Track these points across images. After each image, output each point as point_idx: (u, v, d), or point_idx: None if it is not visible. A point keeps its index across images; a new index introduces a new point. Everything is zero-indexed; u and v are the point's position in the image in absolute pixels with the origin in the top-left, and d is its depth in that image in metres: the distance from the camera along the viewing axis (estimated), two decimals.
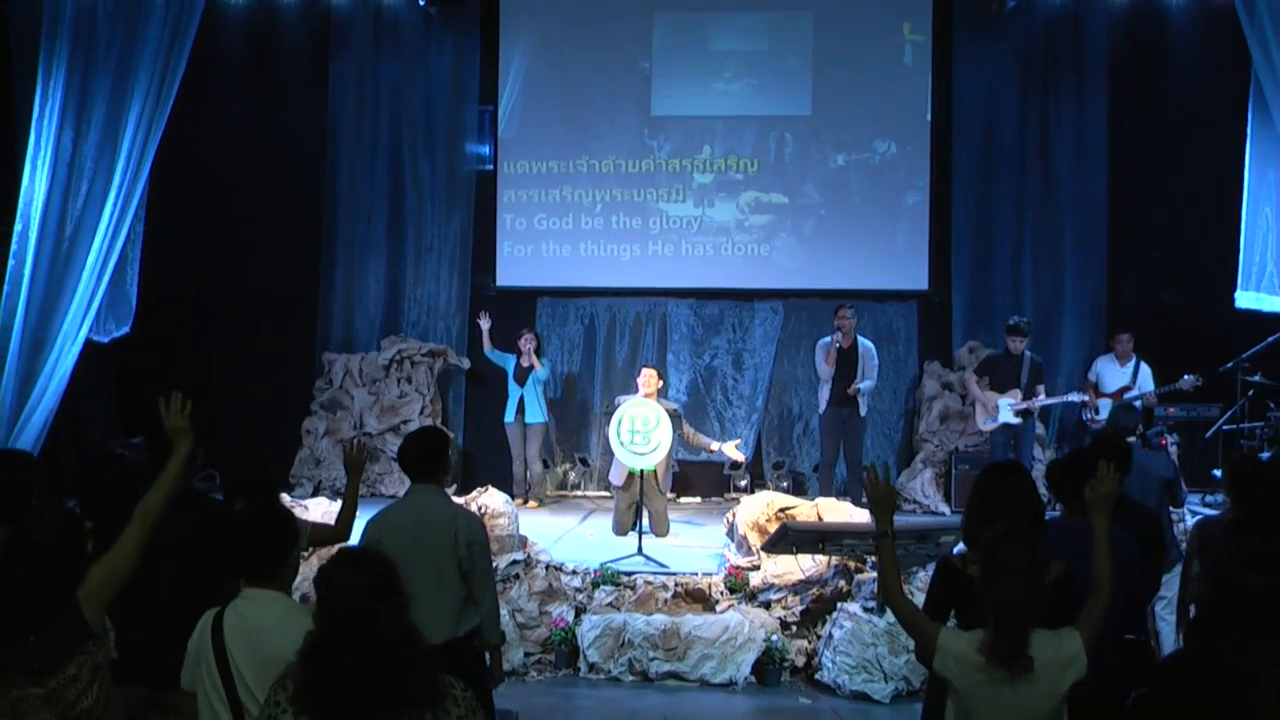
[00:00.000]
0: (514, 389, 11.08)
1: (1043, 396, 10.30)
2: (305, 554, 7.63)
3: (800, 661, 7.76)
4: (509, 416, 11.09)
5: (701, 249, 12.12)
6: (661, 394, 9.52)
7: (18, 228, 9.96)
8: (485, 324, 11.32)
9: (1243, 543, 3.62)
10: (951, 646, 3.56)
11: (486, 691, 5.00)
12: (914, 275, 11.99)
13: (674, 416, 9.09)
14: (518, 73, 12.18)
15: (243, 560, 3.64)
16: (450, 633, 4.83)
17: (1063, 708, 3.54)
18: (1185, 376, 10.17)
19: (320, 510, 8.68)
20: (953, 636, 3.59)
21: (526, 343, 11.03)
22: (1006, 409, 10.21)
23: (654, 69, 12.06)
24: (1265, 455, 8.65)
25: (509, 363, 11.15)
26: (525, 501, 10.89)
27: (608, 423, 9.13)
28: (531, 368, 10.96)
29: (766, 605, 8.07)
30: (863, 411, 10.46)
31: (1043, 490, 6.84)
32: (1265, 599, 3.23)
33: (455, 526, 4.92)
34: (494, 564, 7.72)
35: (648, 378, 9.47)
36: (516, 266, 12.29)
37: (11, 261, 9.91)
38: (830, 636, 7.63)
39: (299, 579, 7.57)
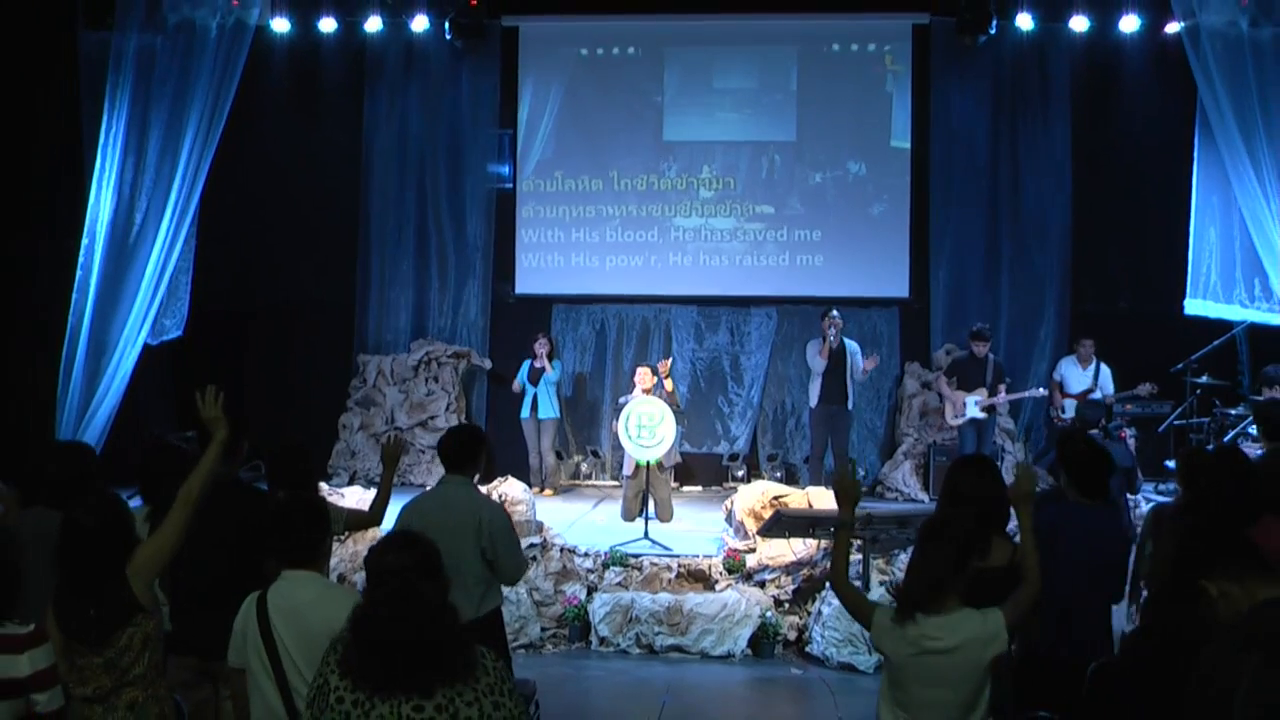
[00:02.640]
0: (528, 388, 11.10)
1: (1004, 394, 10.39)
2: (341, 538, 7.68)
3: (792, 636, 7.76)
4: (524, 413, 11.10)
5: (703, 258, 12.14)
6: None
7: (84, 242, 10.01)
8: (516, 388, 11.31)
9: (1198, 531, 3.63)
10: (885, 623, 3.63)
11: (506, 662, 5.00)
12: (896, 284, 12.00)
13: (675, 411, 9.11)
14: (536, 100, 12.21)
15: (281, 545, 3.65)
16: (471, 614, 4.76)
17: (986, 678, 3.59)
18: (1142, 385, 10.27)
19: (355, 498, 8.70)
20: (886, 614, 3.66)
21: (540, 346, 11.05)
22: (973, 406, 10.32)
23: (666, 102, 12.15)
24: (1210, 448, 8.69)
25: (525, 366, 11.16)
26: (541, 490, 10.89)
27: (617, 419, 9.14)
28: (543, 369, 10.98)
29: (761, 585, 8.07)
30: (849, 407, 10.50)
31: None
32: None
33: (480, 516, 4.88)
34: None
35: (643, 375, 9.49)
36: (533, 276, 12.31)
37: (79, 273, 9.96)
38: (820, 613, 7.62)
39: (335, 560, 7.66)
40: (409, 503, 5.10)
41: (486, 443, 5.21)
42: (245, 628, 3.53)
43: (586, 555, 8.33)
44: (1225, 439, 9.57)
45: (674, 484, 10.23)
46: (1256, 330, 10.57)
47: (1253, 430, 9.50)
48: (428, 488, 8.98)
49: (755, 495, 8.82)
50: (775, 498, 8.69)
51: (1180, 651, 3.08)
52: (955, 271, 11.89)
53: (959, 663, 3.52)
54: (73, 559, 3.49)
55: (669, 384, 9.42)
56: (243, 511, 4.37)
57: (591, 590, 8.03)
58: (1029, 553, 3.85)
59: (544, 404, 11.06)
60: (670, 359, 10.01)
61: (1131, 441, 10.13)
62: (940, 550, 3.54)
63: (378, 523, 5.27)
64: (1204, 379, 10.25)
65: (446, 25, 11.39)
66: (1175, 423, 10.38)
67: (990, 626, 3.55)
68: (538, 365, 11.03)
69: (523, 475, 10.19)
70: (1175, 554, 3.33)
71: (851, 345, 10.44)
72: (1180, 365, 10.35)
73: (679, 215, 12.16)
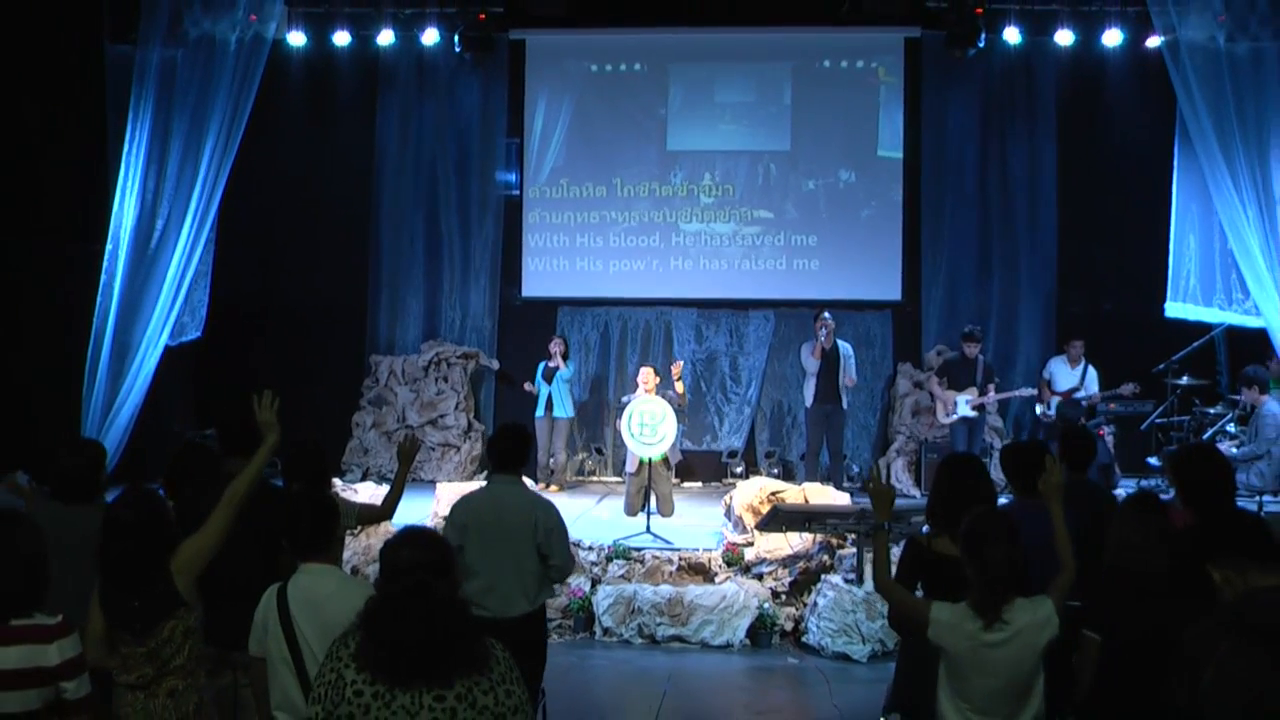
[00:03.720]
0: (543, 387, 11.08)
1: (993, 394, 10.42)
2: (354, 531, 7.70)
3: (789, 626, 7.77)
4: (539, 412, 11.08)
5: (704, 262, 12.17)
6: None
7: (109, 248, 10.04)
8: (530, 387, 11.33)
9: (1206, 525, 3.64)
10: (943, 618, 3.62)
11: (543, 648, 5.07)
12: (889, 287, 12.02)
13: (677, 410, 9.12)
14: (546, 111, 12.24)
15: (294, 538, 3.67)
16: (527, 606, 4.83)
17: (1040, 664, 3.60)
18: (1126, 385, 10.28)
19: (368, 493, 8.72)
20: (943, 609, 3.65)
21: (555, 346, 11.04)
22: (964, 405, 10.33)
23: (670, 114, 12.21)
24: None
25: (540, 366, 11.16)
26: (548, 486, 10.89)
27: (621, 417, 9.14)
28: (558, 368, 10.98)
29: (759, 577, 8.08)
30: (844, 406, 10.51)
31: (997, 476, 6.84)
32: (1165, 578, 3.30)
33: (535, 515, 4.87)
34: None
35: (646, 375, 9.48)
36: (539, 279, 12.32)
37: (103, 277, 9.99)
38: (815, 604, 7.63)
39: (348, 553, 7.67)
40: (460, 501, 5.09)
41: (532, 441, 5.24)
42: (266, 618, 3.54)
43: (591, 549, 8.33)
44: (1204, 436, 9.59)
45: (675, 480, 10.23)
46: (1234, 332, 10.61)
47: (1230, 429, 9.53)
48: (436, 484, 9.08)
49: (753, 491, 8.82)
50: (773, 493, 8.69)
51: (1165, 641, 3.10)
52: (946, 275, 11.92)
53: (1017, 650, 3.53)
54: (114, 553, 3.52)
55: (680, 386, 9.43)
56: (262, 507, 4.37)
57: (595, 582, 8.04)
58: (1062, 539, 3.86)
59: (559, 403, 11.05)
60: (681, 362, 10.00)
61: (1110, 439, 10.18)
62: (998, 549, 3.53)
63: (389, 517, 5.28)
64: (1184, 379, 10.27)
65: (456, 38, 11.41)
66: (1156, 421, 10.40)
67: (1042, 612, 3.57)
68: (552, 365, 11.03)
69: (529, 471, 10.19)
70: (1190, 548, 3.34)
71: (845, 348, 10.45)
72: (1161, 366, 10.37)
73: (681, 220, 12.19)
